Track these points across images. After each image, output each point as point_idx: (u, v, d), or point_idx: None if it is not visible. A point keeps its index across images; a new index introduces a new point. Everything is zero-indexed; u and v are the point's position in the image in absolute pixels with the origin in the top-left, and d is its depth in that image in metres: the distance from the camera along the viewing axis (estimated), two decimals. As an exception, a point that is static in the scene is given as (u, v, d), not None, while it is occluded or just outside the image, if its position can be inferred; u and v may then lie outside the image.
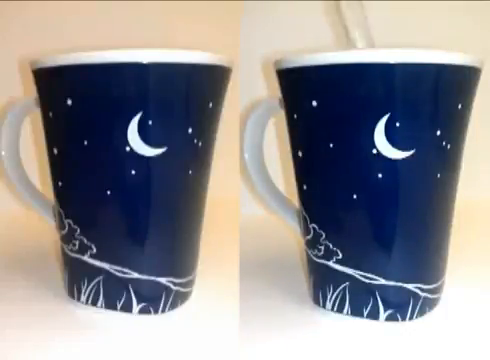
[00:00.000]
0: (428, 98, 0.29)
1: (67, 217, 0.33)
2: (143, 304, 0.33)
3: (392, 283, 0.32)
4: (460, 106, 0.30)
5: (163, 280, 0.33)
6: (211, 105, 0.32)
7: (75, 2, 0.58)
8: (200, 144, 0.32)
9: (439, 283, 0.33)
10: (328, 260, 0.33)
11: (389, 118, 0.29)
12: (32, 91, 0.33)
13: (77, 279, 0.34)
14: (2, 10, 0.56)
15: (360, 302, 0.32)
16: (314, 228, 0.33)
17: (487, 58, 0.32)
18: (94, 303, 0.34)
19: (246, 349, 0.30)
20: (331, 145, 0.30)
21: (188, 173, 0.32)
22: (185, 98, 0.31)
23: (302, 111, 0.31)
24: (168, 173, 0.31)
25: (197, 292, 0.36)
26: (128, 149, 0.30)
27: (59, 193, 0.34)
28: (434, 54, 0.28)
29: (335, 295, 0.33)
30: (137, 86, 0.29)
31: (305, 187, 0.33)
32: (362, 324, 0.32)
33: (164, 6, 0.60)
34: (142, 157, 0.30)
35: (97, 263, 0.33)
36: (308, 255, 0.35)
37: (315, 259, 0.34)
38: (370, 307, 0.32)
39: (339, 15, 0.34)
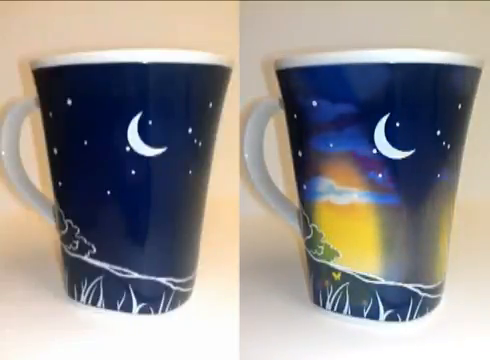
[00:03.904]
0: (428, 98, 0.29)
1: (67, 217, 0.33)
2: (143, 304, 0.33)
3: (392, 283, 0.32)
4: (460, 106, 0.30)
5: (163, 280, 0.33)
6: (211, 105, 0.32)
7: (75, 2, 0.58)
8: (200, 144, 0.32)
9: (439, 283, 0.33)
10: (328, 260, 0.33)
11: (389, 118, 0.29)
12: (32, 91, 0.33)
13: (77, 279, 0.34)
14: (2, 10, 0.56)
15: (360, 302, 0.32)
16: (314, 228, 0.33)
17: (487, 58, 0.32)
18: (94, 303, 0.34)
19: (246, 349, 0.30)
20: (331, 145, 0.30)
21: (188, 173, 0.32)
22: (185, 98, 0.31)
23: (301, 111, 0.31)
24: (168, 173, 0.31)
25: (197, 292, 0.36)
26: (128, 149, 0.30)
27: (59, 193, 0.34)
28: (434, 54, 0.28)
29: (335, 295, 0.33)
30: (137, 86, 0.29)
31: (305, 187, 0.33)
32: (362, 324, 0.32)
33: (164, 6, 0.60)
34: (142, 157, 0.30)
35: (97, 263, 0.33)
36: (308, 255, 0.35)
37: (315, 259, 0.34)
38: (370, 307, 0.32)
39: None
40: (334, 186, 0.31)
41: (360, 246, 0.31)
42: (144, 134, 0.30)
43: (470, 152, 0.35)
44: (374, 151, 0.29)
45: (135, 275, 0.32)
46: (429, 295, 0.33)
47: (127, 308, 0.33)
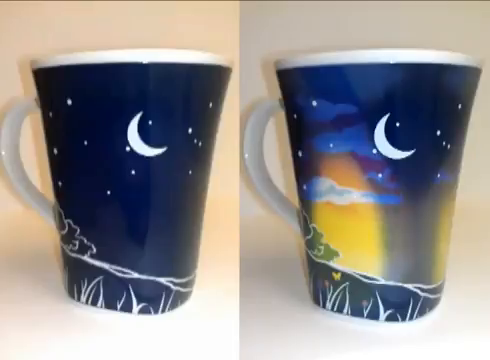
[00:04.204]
0: (428, 98, 0.29)
1: (67, 217, 0.33)
2: (143, 304, 0.33)
3: (392, 283, 0.32)
4: (460, 106, 0.30)
5: (163, 280, 0.33)
6: (211, 105, 0.32)
7: (75, 2, 0.58)
8: (200, 144, 0.32)
9: (439, 283, 0.33)
10: (328, 260, 0.33)
11: (389, 118, 0.29)
12: (32, 91, 0.33)
13: (77, 279, 0.34)
14: (2, 10, 0.56)
15: (360, 302, 0.32)
16: (314, 228, 0.33)
17: (487, 58, 0.32)
18: (94, 303, 0.34)
19: (246, 349, 0.30)
20: (331, 145, 0.30)
21: (188, 173, 0.32)
22: (185, 98, 0.31)
23: (301, 111, 0.31)
24: (168, 173, 0.31)
25: (197, 292, 0.36)
26: (128, 149, 0.30)
27: (59, 193, 0.34)
28: (434, 54, 0.28)
29: (335, 295, 0.33)
30: (137, 86, 0.29)
31: (305, 187, 0.33)
32: (362, 324, 0.32)
33: (164, 6, 0.60)
34: (142, 157, 0.30)
35: (97, 263, 0.33)
36: (308, 255, 0.35)
37: (315, 259, 0.34)
38: (370, 307, 0.32)
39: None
40: (334, 186, 0.31)
41: (360, 246, 0.31)
42: (144, 134, 0.30)
43: (470, 152, 0.35)
44: (374, 151, 0.29)
45: (135, 275, 0.32)
46: (429, 295, 0.33)
47: (127, 308, 0.33)
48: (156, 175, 0.31)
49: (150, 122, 0.30)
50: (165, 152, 0.30)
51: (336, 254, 0.32)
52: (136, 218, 0.32)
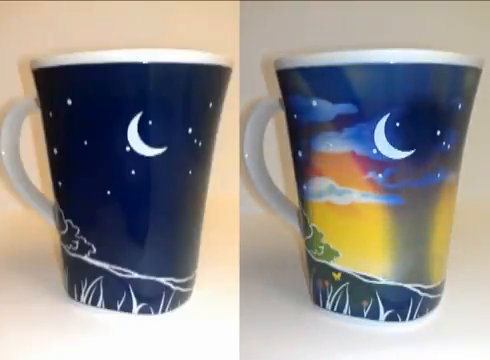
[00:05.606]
0: (428, 98, 0.29)
1: (67, 217, 0.33)
2: (143, 304, 0.33)
3: (392, 283, 0.32)
4: (460, 106, 0.30)
5: (163, 280, 0.33)
6: (211, 105, 0.32)
7: (75, 2, 0.58)
8: (200, 144, 0.32)
9: (439, 283, 0.33)
10: (328, 260, 0.33)
11: (389, 118, 0.29)
12: (32, 91, 0.33)
13: (77, 279, 0.34)
14: (2, 10, 0.56)
15: (360, 302, 0.32)
16: (314, 228, 0.33)
17: (487, 58, 0.32)
18: (94, 303, 0.34)
19: (246, 349, 0.30)
20: (331, 145, 0.30)
21: (188, 173, 0.32)
22: (185, 98, 0.31)
23: (301, 111, 0.31)
24: (168, 173, 0.31)
25: (197, 292, 0.36)
26: (128, 149, 0.30)
27: (59, 193, 0.34)
28: (434, 54, 0.28)
29: (335, 295, 0.33)
30: (137, 86, 0.29)
31: (305, 187, 0.33)
32: (362, 324, 0.32)
33: (164, 6, 0.60)
34: (142, 157, 0.30)
35: (97, 263, 0.33)
36: (308, 255, 0.35)
37: (315, 259, 0.34)
38: (370, 307, 0.32)
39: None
40: (334, 186, 0.31)
41: (360, 246, 0.31)
42: (144, 134, 0.30)
43: (470, 152, 0.35)
44: (374, 151, 0.29)
45: (135, 275, 0.32)
46: (429, 295, 0.33)
47: (127, 308, 0.33)
48: (156, 175, 0.31)
49: (150, 122, 0.30)
50: (165, 152, 0.30)
51: (336, 254, 0.32)
52: (136, 218, 0.32)
